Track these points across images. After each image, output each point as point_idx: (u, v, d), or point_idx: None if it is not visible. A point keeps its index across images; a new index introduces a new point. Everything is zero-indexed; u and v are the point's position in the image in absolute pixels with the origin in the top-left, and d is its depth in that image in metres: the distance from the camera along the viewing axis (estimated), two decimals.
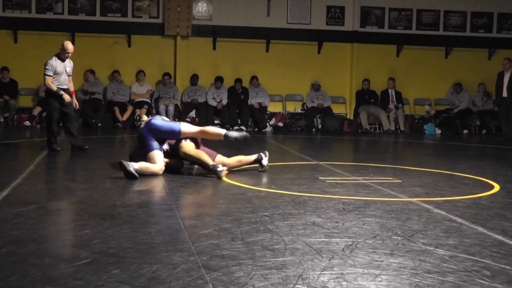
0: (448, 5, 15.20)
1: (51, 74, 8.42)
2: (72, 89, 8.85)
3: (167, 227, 4.23)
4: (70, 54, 8.58)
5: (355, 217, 4.67)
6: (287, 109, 14.70)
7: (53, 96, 8.48)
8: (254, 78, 14.28)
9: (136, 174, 6.19)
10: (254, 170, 7.18)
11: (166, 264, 3.33)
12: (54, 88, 8.41)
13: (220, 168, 6.41)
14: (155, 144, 6.59)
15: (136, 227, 4.21)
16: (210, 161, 6.54)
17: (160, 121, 6.73)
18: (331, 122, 13.99)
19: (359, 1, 14.83)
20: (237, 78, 14.10)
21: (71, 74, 8.77)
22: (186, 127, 6.71)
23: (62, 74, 8.54)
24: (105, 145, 10.49)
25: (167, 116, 13.45)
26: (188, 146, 6.64)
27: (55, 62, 8.48)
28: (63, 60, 8.57)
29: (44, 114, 13.10)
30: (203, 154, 6.61)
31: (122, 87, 13.78)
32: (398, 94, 14.50)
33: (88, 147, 8.75)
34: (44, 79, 8.46)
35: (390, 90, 14.46)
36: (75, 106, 8.77)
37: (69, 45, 8.57)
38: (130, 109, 13.52)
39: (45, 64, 8.44)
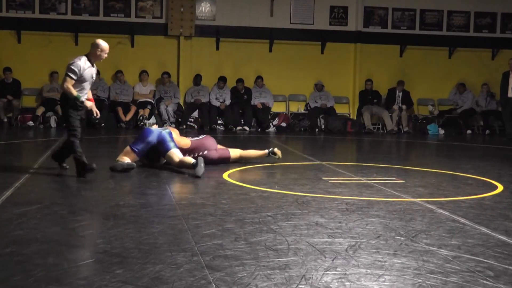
0: (452, 5, 15.18)
1: (75, 77, 6.41)
2: (90, 96, 6.97)
3: (170, 227, 4.23)
4: (106, 56, 6.73)
5: (358, 217, 4.67)
6: (290, 109, 14.69)
7: (70, 105, 6.52)
8: (259, 78, 14.28)
9: (130, 166, 6.73)
10: (256, 170, 7.18)
11: (170, 264, 3.34)
12: (74, 93, 6.43)
13: (197, 169, 6.54)
14: (171, 144, 6.97)
15: (139, 227, 4.22)
16: (191, 161, 6.71)
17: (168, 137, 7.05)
18: (334, 122, 13.99)
19: (363, 1, 14.83)
20: (239, 78, 14.10)
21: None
22: (175, 152, 6.97)
23: (88, 81, 6.60)
24: (108, 145, 10.50)
25: (167, 116, 13.47)
26: (174, 155, 6.92)
27: (84, 64, 6.49)
28: (93, 64, 6.66)
29: (48, 114, 13.15)
30: (184, 159, 6.85)
31: (125, 87, 13.79)
32: (406, 94, 14.42)
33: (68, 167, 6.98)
34: (64, 80, 6.46)
35: (398, 91, 14.39)
36: (95, 115, 6.95)
37: (106, 44, 6.65)
38: (133, 109, 13.53)
39: (71, 64, 6.47)
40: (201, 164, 6.53)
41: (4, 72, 13.27)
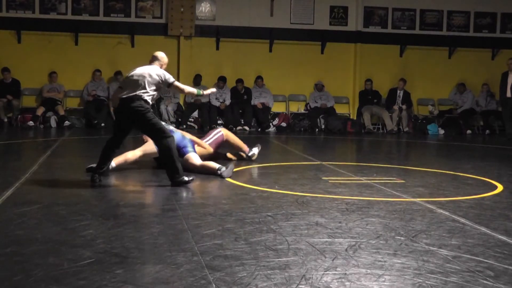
0: (452, 5, 15.17)
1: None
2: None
3: (170, 227, 4.23)
4: None
5: (358, 217, 4.67)
6: (290, 109, 14.69)
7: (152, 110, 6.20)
8: (259, 78, 14.28)
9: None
10: (258, 170, 7.18)
11: (170, 264, 3.34)
12: (194, 90, 6.56)
13: (224, 171, 6.47)
14: (190, 149, 6.89)
15: (139, 227, 4.22)
16: (216, 166, 6.60)
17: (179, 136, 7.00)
18: (334, 122, 13.99)
19: (363, 1, 14.82)
20: (238, 78, 14.10)
21: None
22: (194, 156, 6.88)
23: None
24: None
25: (167, 116, 13.47)
26: (194, 159, 6.80)
27: None
28: None
29: (48, 114, 13.15)
30: (208, 163, 6.76)
31: None
32: (407, 94, 14.42)
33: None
34: (175, 85, 6.33)
35: (399, 91, 14.40)
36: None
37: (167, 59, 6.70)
38: None
39: (163, 72, 6.33)
40: (229, 168, 6.52)
41: (3, 72, 13.24)
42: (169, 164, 5.96)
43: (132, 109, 5.97)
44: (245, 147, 7.86)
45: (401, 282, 3.14)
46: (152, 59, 6.49)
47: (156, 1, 14.18)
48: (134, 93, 6.02)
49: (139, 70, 6.27)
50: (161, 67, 6.43)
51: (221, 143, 7.69)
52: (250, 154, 7.86)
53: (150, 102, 6.12)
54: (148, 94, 6.07)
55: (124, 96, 6.05)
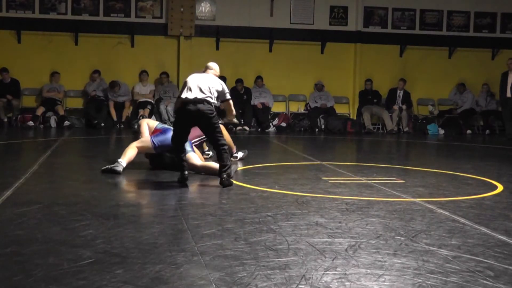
0: (452, 5, 15.18)
1: None
2: None
3: (170, 227, 4.23)
4: None
5: (358, 217, 4.67)
6: (290, 109, 14.69)
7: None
8: (259, 78, 14.28)
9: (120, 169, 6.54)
10: (258, 170, 7.18)
11: (169, 264, 3.33)
12: (235, 118, 6.71)
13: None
14: (189, 148, 6.81)
15: (139, 227, 4.22)
16: (217, 166, 6.56)
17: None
18: (334, 122, 13.99)
19: (362, 1, 14.83)
20: (238, 79, 14.09)
21: None
22: (193, 156, 6.85)
23: None
24: (108, 145, 10.50)
25: (167, 116, 13.46)
26: (194, 159, 6.76)
27: None
28: None
29: (48, 114, 13.16)
30: (209, 164, 6.73)
31: (122, 90, 13.66)
32: (407, 94, 14.43)
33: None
34: (230, 103, 6.56)
35: (399, 91, 14.40)
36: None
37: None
38: (127, 106, 13.49)
39: (225, 86, 6.53)
40: (232, 169, 6.43)
41: (1, 73, 13.24)
42: (219, 156, 6.04)
43: (200, 111, 6.03)
44: (233, 147, 7.89)
45: (401, 282, 3.14)
46: (206, 68, 6.64)
47: (156, 1, 14.18)
48: (202, 97, 6.10)
49: (201, 78, 6.33)
50: None
51: None
52: (234, 154, 7.87)
53: (214, 107, 6.22)
54: (213, 99, 6.21)
55: (190, 98, 6.06)
